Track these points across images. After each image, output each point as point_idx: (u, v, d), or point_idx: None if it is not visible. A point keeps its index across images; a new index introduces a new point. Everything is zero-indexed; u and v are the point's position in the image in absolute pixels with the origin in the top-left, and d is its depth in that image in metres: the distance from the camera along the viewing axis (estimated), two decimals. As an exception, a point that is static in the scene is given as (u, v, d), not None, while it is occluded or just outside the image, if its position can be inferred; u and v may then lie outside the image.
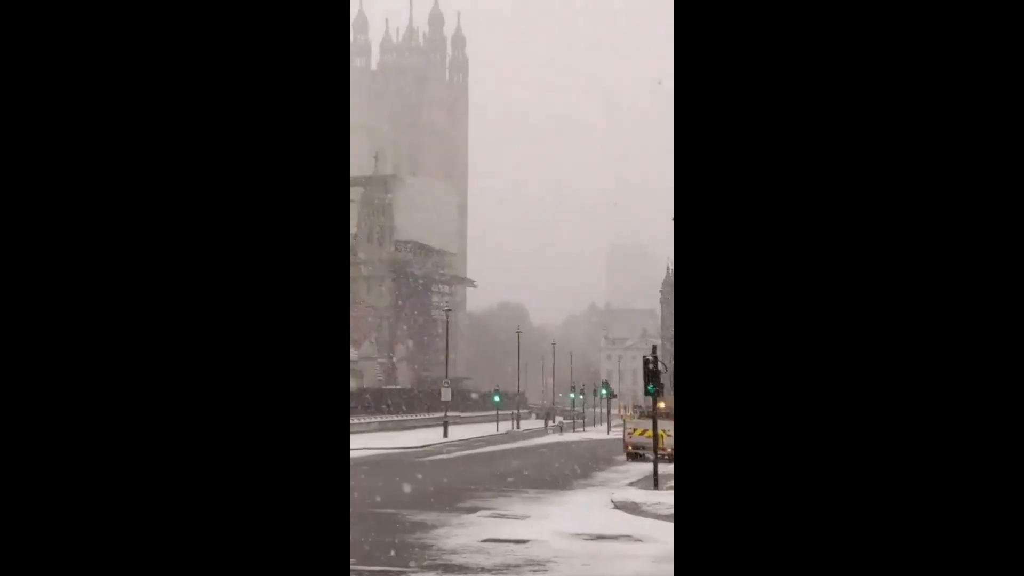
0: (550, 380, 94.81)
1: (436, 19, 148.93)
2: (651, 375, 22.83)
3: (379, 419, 54.52)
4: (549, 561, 12.01)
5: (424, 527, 14.90)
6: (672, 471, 19.86)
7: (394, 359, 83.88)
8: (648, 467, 23.28)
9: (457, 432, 49.93)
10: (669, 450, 25.79)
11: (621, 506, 18.05)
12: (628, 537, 14.15)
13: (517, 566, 11.67)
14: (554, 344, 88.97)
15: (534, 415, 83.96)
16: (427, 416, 58.42)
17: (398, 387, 72.16)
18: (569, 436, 55.85)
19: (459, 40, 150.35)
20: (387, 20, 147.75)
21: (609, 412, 71.27)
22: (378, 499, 18.71)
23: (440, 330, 73.61)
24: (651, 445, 23.87)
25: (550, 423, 67.61)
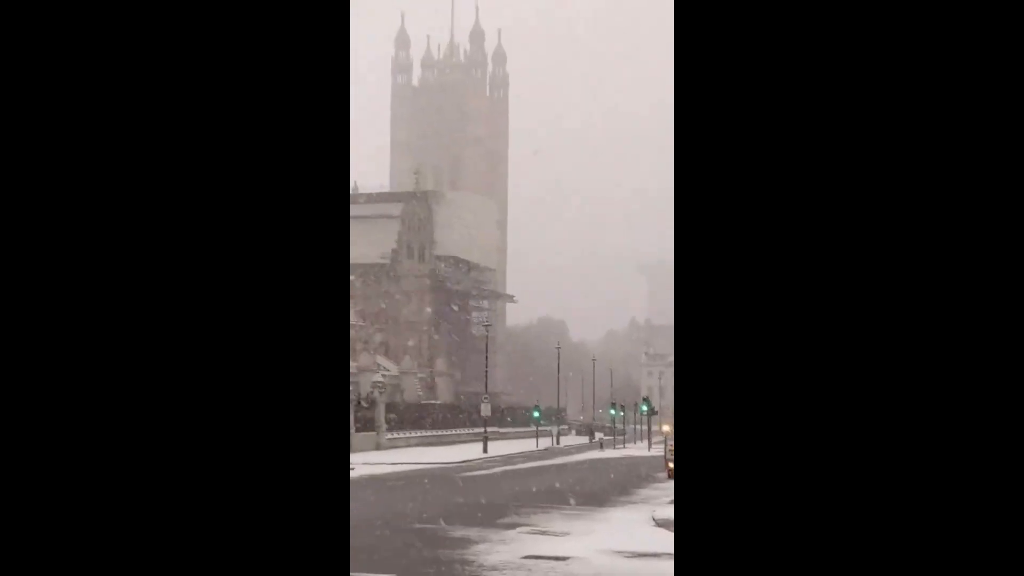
0: (590, 396, 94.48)
1: (477, 36, 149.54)
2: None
3: (419, 434, 54.55)
4: (591, 579, 11.91)
5: (465, 543, 14.85)
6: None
7: (434, 374, 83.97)
8: (690, 484, 22.96)
9: (497, 447, 49.83)
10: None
11: (663, 524, 17.88)
12: (670, 555, 13.99)
13: (558, 583, 11.57)
14: (594, 360, 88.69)
15: (574, 431, 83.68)
16: (466, 431, 58.39)
17: (438, 402, 72.20)
18: (609, 453, 55.59)
19: (500, 56, 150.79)
20: (428, 37, 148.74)
21: (650, 429, 70.81)
22: (418, 514, 18.68)
23: (479, 345, 73.62)
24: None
25: (591, 439, 67.26)
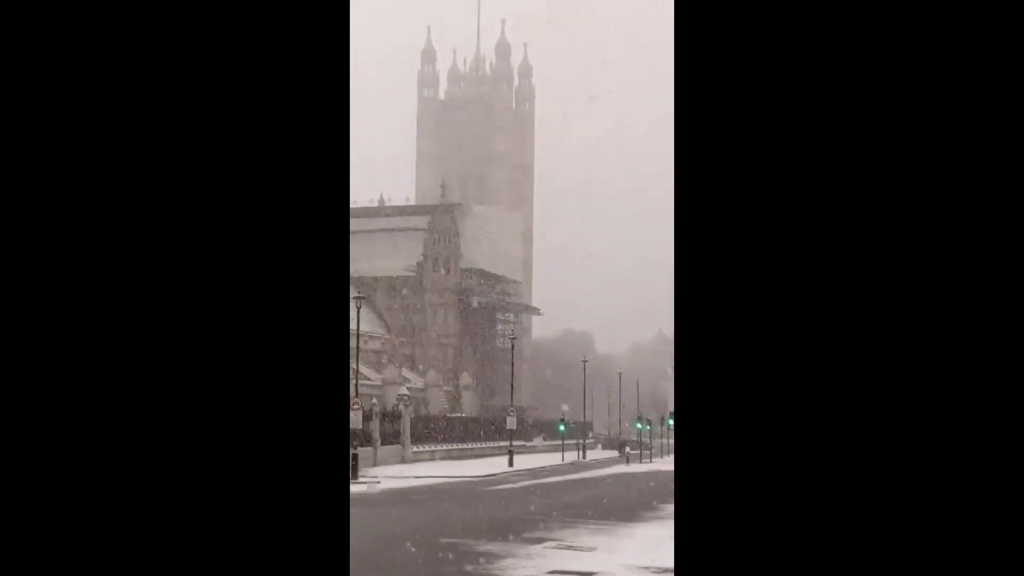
0: (616, 409, 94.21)
1: (503, 49, 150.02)
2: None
3: (444, 447, 54.48)
4: (618, 595, 11.75)
5: (490, 557, 14.73)
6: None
7: (459, 387, 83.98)
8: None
9: (522, 461, 49.68)
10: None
11: (690, 539, 17.67)
12: (698, 572, 13.81)
13: (585, 600, 11.43)
14: (620, 373, 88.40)
15: (600, 445, 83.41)
16: (492, 445, 58.27)
17: (463, 415, 72.15)
18: (636, 467, 55.30)
19: (526, 69, 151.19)
20: (455, 51, 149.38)
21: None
22: (444, 528, 18.58)
23: (505, 358, 73.57)
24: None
25: (621, 453, 66.95)
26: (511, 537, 17.48)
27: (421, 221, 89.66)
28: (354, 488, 32.72)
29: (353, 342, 46.93)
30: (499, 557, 14.78)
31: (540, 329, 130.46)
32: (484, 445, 59.13)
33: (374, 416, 47.09)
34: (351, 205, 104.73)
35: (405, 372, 74.73)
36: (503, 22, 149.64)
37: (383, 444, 47.80)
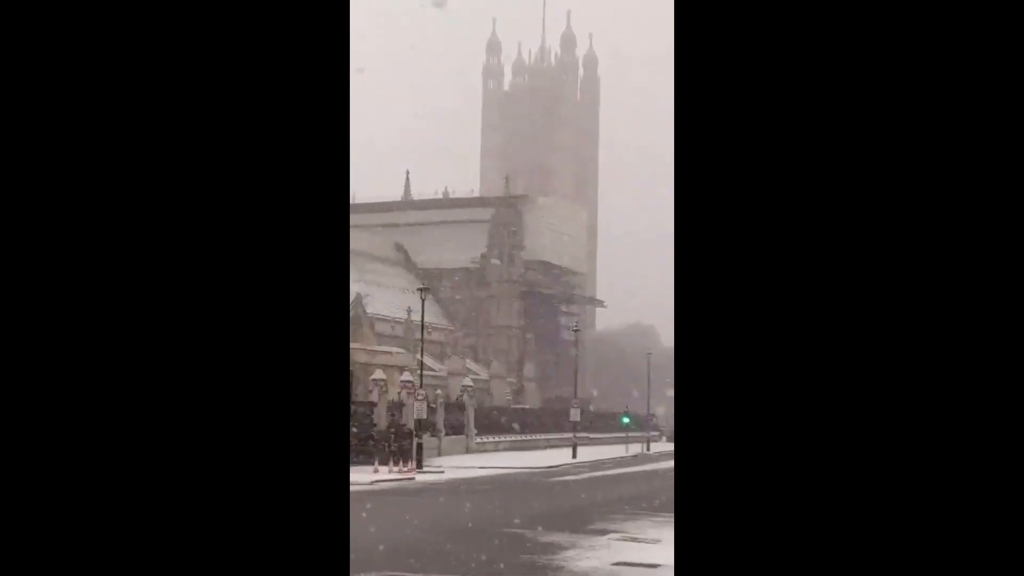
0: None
1: (568, 40, 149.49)
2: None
3: (508, 438, 54.64)
4: (682, 588, 11.70)
5: (554, 548, 14.76)
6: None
7: (523, 378, 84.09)
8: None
9: (586, 453, 49.62)
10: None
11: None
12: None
13: (649, 592, 11.40)
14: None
15: (664, 437, 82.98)
16: (555, 436, 58.28)
17: (526, 407, 72.23)
18: (699, 460, 54.77)
19: (591, 60, 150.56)
20: (519, 43, 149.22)
21: (741, 436, 69.65)
22: (507, 519, 18.65)
23: (568, 350, 73.46)
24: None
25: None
26: (575, 528, 17.49)
27: (485, 213, 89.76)
28: (419, 477, 32.98)
29: (417, 333, 47.26)
30: (563, 548, 14.80)
31: (604, 321, 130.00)
32: (547, 436, 59.15)
33: (438, 407, 47.38)
34: (415, 196, 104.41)
35: (469, 363, 75.02)
36: (568, 13, 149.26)
37: (447, 435, 48.08)
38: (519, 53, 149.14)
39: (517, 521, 18.28)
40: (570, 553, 14.28)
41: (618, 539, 16.34)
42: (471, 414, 51.81)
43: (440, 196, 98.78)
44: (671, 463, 52.15)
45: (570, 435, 50.54)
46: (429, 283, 52.73)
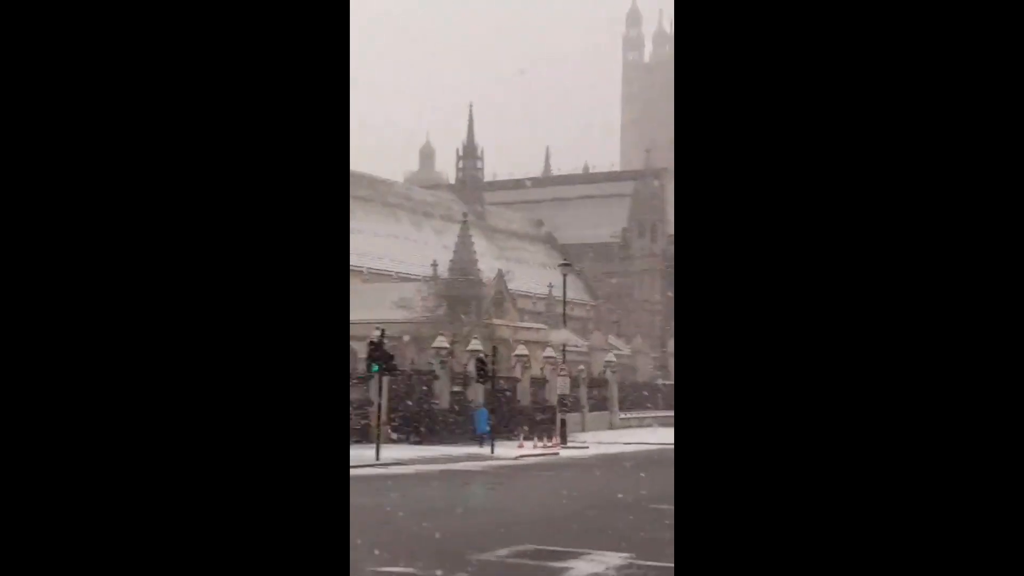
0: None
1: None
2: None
3: (652, 414, 54.31)
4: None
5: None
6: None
7: (666, 354, 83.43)
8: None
9: (732, 429, 48.82)
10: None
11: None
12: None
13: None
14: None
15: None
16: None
17: (670, 383, 71.67)
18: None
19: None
20: (661, 11, 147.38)
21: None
22: (653, 495, 18.52)
23: (713, 325, 72.31)
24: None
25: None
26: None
27: (626, 187, 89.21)
28: (563, 452, 33.11)
29: (559, 309, 47.33)
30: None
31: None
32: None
33: (581, 383, 47.39)
34: (555, 172, 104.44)
35: (611, 339, 74.79)
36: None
37: (590, 411, 48.08)
38: (660, 23, 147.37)
39: (662, 496, 18.11)
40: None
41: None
42: (614, 389, 51.68)
43: (579, 171, 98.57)
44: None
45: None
46: (570, 259, 52.68)
